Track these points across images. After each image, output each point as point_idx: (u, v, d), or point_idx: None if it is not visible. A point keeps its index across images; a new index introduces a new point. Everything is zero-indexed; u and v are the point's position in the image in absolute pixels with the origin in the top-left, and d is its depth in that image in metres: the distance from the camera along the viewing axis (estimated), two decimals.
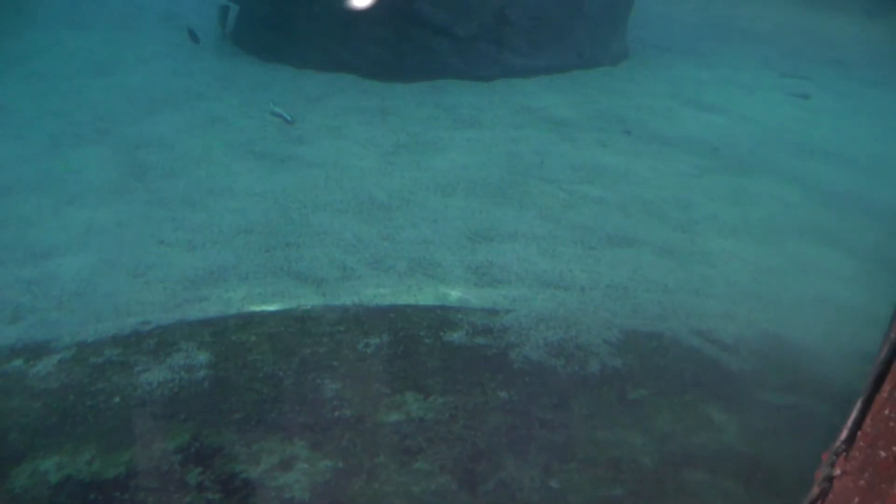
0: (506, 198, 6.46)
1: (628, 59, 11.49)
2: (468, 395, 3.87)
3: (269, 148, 7.30)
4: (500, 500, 3.24)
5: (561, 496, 3.27)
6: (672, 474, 3.44)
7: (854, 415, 1.80)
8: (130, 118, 7.91)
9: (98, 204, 5.98)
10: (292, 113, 8.14)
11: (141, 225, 5.67)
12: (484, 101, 9.08)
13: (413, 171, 6.91)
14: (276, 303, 4.68)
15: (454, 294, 4.91)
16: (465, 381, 3.97)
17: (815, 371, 4.30)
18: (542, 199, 6.47)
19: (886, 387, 1.70)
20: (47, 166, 6.62)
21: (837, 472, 1.82)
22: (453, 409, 3.76)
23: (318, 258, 5.31)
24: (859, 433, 1.78)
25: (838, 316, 4.98)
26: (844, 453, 1.81)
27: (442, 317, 4.58)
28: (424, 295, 4.87)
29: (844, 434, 1.82)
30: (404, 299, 4.80)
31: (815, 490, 1.89)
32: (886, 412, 1.69)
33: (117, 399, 3.72)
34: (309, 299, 4.74)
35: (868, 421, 1.75)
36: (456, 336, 4.38)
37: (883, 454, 1.67)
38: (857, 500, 1.72)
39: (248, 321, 4.44)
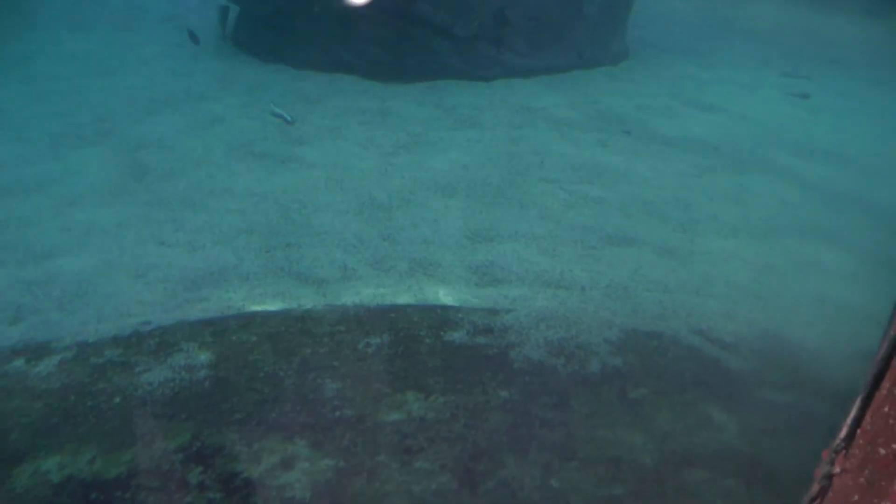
0: (506, 198, 6.47)
1: (628, 58, 11.50)
2: (469, 394, 3.88)
3: (269, 148, 7.31)
4: (501, 500, 3.25)
5: (561, 495, 3.28)
6: (672, 473, 3.44)
7: (854, 412, 1.80)
8: (131, 119, 7.92)
9: (99, 205, 5.99)
10: (292, 113, 8.14)
11: (141, 226, 5.68)
12: (484, 102, 9.08)
13: (413, 172, 6.91)
14: (277, 303, 4.69)
15: (455, 294, 4.91)
16: (465, 381, 3.98)
17: (815, 370, 4.31)
18: (542, 199, 6.48)
19: (886, 384, 1.71)
20: (48, 167, 6.63)
21: (837, 469, 1.82)
22: (454, 409, 3.76)
23: (319, 258, 5.32)
24: (859, 431, 1.78)
25: (838, 315, 4.98)
26: (844, 451, 1.82)
27: (442, 316, 4.59)
28: (425, 295, 4.87)
29: (844, 432, 1.83)
30: (405, 299, 4.80)
31: (815, 488, 1.90)
32: (886, 409, 1.70)
33: (118, 399, 3.72)
34: (310, 299, 4.75)
35: (867, 418, 1.76)
36: (457, 335, 4.39)
37: (882, 451, 1.68)
38: (856, 497, 1.72)
39: (249, 321, 4.45)
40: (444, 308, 4.70)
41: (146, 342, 4.21)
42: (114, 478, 3.22)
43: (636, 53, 11.72)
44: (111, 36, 11.16)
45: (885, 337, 1.76)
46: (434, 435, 3.58)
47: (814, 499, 1.90)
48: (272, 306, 4.64)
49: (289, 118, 8.04)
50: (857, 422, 1.78)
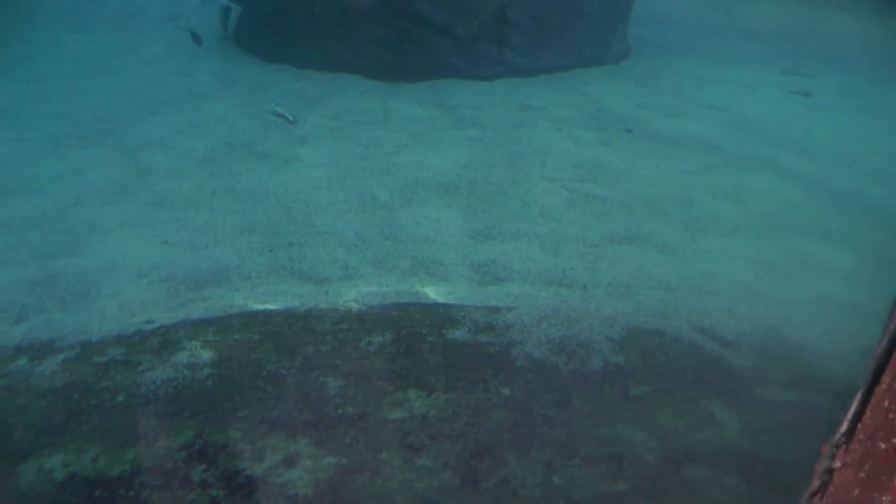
0: (508, 196, 6.48)
1: (630, 57, 11.50)
2: (471, 392, 3.89)
3: (271, 148, 7.32)
4: (503, 497, 3.26)
5: (563, 492, 3.29)
6: (674, 470, 3.45)
7: (854, 407, 1.81)
8: (132, 119, 7.93)
9: (101, 205, 6.00)
10: (294, 113, 8.16)
11: (144, 225, 5.69)
12: (485, 101, 9.09)
13: (415, 171, 6.92)
14: (279, 302, 4.70)
15: (457, 292, 4.92)
16: (467, 379, 3.99)
17: (817, 367, 4.31)
18: (543, 198, 6.49)
19: (886, 378, 1.71)
20: (50, 167, 6.65)
21: (838, 464, 1.83)
22: (456, 406, 3.77)
23: (321, 257, 5.33)
24: (859, 425, 1.79)
25: (839, 312, 4.99)
26: (845, 445, 1.82)
27: (444, 314, 4.60)
28: (427, 293, 4.88)
29: (844, 426, 1.83)
30: (407, 297, 4.81)
31: (816, 483, 1.90)
32: (886, 404, 1.70)
33: (121, 398, 3.74)
34: (312, 298, 4.76)
35: (868, 413, 1.76)
36: (458, 333, 4.40)
37: (883, 446, 1.68)
38: (857, 491, 1.73)
39: (252, 320, 4.46)
40: (446, 306, 4.71)
41: (149, 341, 4.22)
42: (117, 475, 3.24)
43: (637, 52, 11.72)
44: (112, 36, 11.18)
45: (885, 331, 1.76)
46: (436, 432, 3.59)
47: (814, 494, 1.90)
48: (274, 305, 4.65)
49: (290, 118, 8.05)
50: (858, 416, 1.78)
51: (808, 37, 13.93)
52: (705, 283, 5.27)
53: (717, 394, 4.01)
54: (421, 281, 5.05)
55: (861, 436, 1.77)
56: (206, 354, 4.09)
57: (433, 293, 4.89)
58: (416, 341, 4.30)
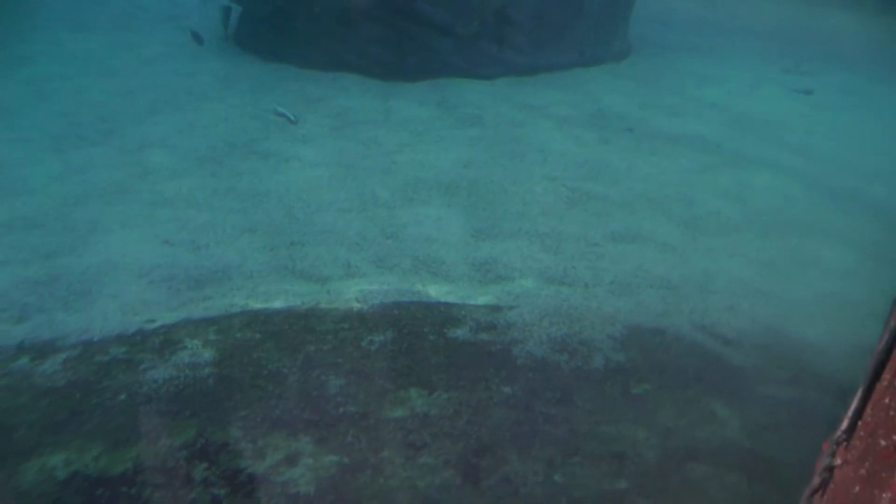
0: (509, 195, 6.48)
1: (630, 56, 11.50)
2: (472, 390, 3.89)
3: (272, 148, 7.33)
4: (504, 495, 3.26)
5: (564, 490, 3.29)
6: (675, 468, 3.45)
7: (854, 404, 1.81)
8: (133, 119, 7.94)
9: (102, 204, 6.01)
10: (295, 113, 8.16)
11: (145, 225, 5.69)
12: (486, 100, 9.09)
13: (416, 170, 6.93)
14: (281, 301, 4.71)
15: (458, 291, 4.93)
16: (469, 377, 3.99)
17: (817, 365, 4.31)
18: (544, 197, 6.49)
19: (886, 376, 1.71)
20: (51, 168, 6.65)
21: (838, 461, 1.83)
22: (457, 405, 3.78)
23: (322, 256, 5.33)
24: (860, 422, 1.79)
25: (840, 310, 4.99)
26: (845, 443, 1.82)
27: (446, 313, 4.60)
28: (428, 292, 4.88)
29: (845, 424, 1.83)
30: (408, 296, 4.82)
31: (816, 480, 1.91)
32: (886, 401, 1.70)
33: (123, 396, 3.74)
34: (313, 297, 4.76)
35: (868, 410, 1.76)
36: (460, 332, 4.40)
37: (883, 443, 1.68)
38: (857, 489, 1.73)
39: (253, 319, 4.47)
40: (448, 305, 4.71)
41: (150, 340, 4.23)
42: (119, 474, 3.24)
43: (638, 51, 11.72)
44: (113, 36, 11.18)
45: (885, 328, 1.76)
46: (437, 431, 3.60)
47: (815, 491, 1.91)
48: (276, 304, 4.66)
49: (292, 117, 8.06)
50: (858, 413, 1.78)
51: (809, 35, 13.92)
52: (706, 281, 5.27)
53: (718, 392, 4.01)
54: (422, 280, 5.05)
55: (862, 433, 1.77)
56: (208, 353, 4.10)
57: (434, 292, 4.89)
58: (418, 340, 4.31)
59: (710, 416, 3.83)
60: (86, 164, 6.76)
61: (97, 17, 12.11)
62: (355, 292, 4.84)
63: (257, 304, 4.65)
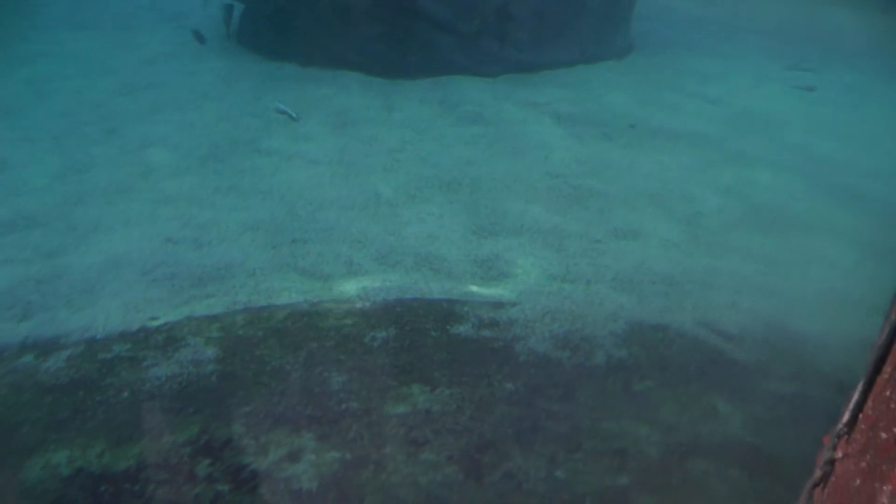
0: (511, 192, 6.48)
1: (632, 53, 11.48)
2: (474, 386, 3.90)
3: (274, 146, 7.34)
4: (507, 491, 3.27)
5: (567, 486, 3.30)
6: (677, 464, 3.46)
7: (855, 397, 1.81)
8: (135, 118, 7.95)
9: (105, 203, 6.02)
10: (297, 111, 8.17)
11: (147, 223, 5.71)
12: (488, 97, 9.09)
13: (418, 168, 6.93)
14: (283, 298, 4.72)
15: (460, 288, 4.93)
16: (471, 374, 4.00)
17: (819, 360, 4.32)
18: (547, 194, 6.49)
19: (887, 368, 1.72)
20: (53, 167, 6.67)
21: (839, 454, 1.83)
22: (460, 401, 3.78)
23: (324, 254, 5.34)
24: (861, 415, 1.79)
25: (841, 306, 4.99)
26: (846, 436, 1.83)
27: (448, 310, 4.61)
28: (430, 289, 4.89)
29: (846, 417, 1.84)
30: (410, 293, 4.82)
31: (818, 473, 1.91)
32: (887, 394, 1.71)
33: (126, 393, 3.76)
34: (315, 294, 4.77)
35: (869, 403, 1.77)
36: (462, 329, 4.41)
37: (884, 436, 1.69)
38: (858, 481, 1.73)
39: (255, 316, 4.48)
40: (450, 302, 4.72)
41: (153, 338, 4.24)
42: (122, 471, 3.25)
43: (640, 48, 11.70)
44: (114, 36, 11.19)
45: (886, 322, 1.77)
46: (440, 427, 3.60)
47: (816, 484, 1.91)
48: (278, 301, 4.67)
49: (294, 115, 8.06)
50: (859, 406, 1.79)
51: (811, 33, 13.90)
52: (708, 277, 5.28)
53: (720, 388, 4.01)
54: (424, 277, 5.06)
55: (862, 426, 1.77)
56: (211, 350, 4.11)
57: (437, 289, 4.90)
58: (420, 337, 4.31)
59: (711, 411, 3.83)
60: (87, 163, 6.77)
61: (98, 16, 12.12)
62: (357, 289, 4.85)
63: (260, 302, 4.66)
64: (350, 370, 3.98)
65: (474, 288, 4.95)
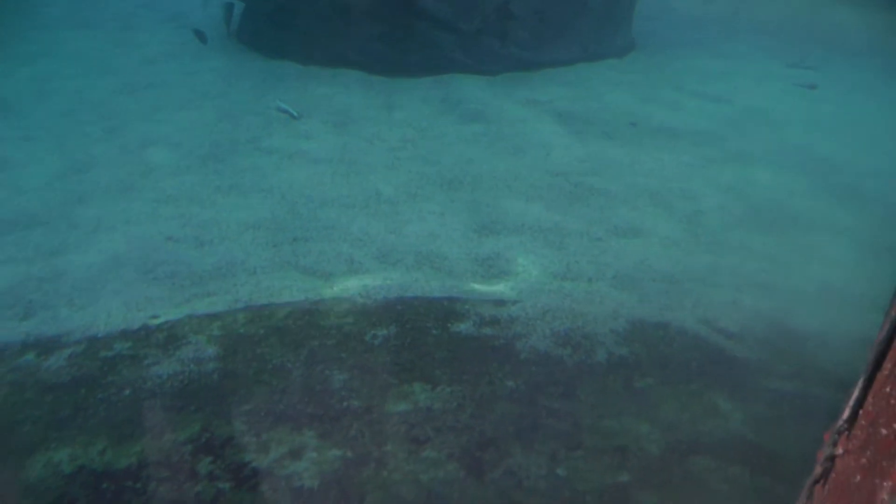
0: (512, 191, 6.48)
1: (633, 51, 11.48)
2: (475, 384, 3.90)
3: (275, 144, 7.34)
4: (508, 488, 3.27)
5: (567, 483, 3.30)
6: (678, 461, 3.46)
7: (856, 393, 1.81)
8: (136, 117, 7.96)
9: (106, 202, 6.03)
10: (298, 109, 8.17)
11: (149, 222, 5.71)
12: (489, 96, 9.09)
13: (419, 166, 6.94)
14: (284, 296, 4.72)
15: (461, 286, 4.94)
16: (472, 371, 4.00)
17: (820, 358, 4.32)
18: (548, 192, 6.49)
19: (888, 364, 1.72)
20: (54, 166, 6.68)
21: (839, 451, 1.83)
22: (461, 399, 3.79)
23: (326, 252, 5.35)
24: (861, 412, 1.79)
25: (842, 304, 4.98)
26: (846, 432, 1.83)
27: (449, 308, 4.61)
28: (431, 287, 4.90)
29: (846, 413, 1.84)
30: (411, 291, 4.83)
31: (818, 469, 1.91)
32: (888, 390, 1.70)
33: (128, 391, 3.76)
34: (316, 292, 4.77)
35: (869, 399, 1.77)
36: (463, 327, 4.41)
37: (884, 432, 1.69)
38: (858, 478, 1.73)
39: (257, 315, 4.48)
40: (451, 300, 4.73)
41: (155, 336, 4.25)
42: (124, 468, 3.26)
43: (642, 46, 11.70)
44: (115, 35, 11.20)
45: (886, 318, 1.76)
46: (441, 425, 3.61)
47: (817, 481, 1.91)
48: (279, 300, 4.67)
49: (295, 113, 8.07)
50: (859, 403, 1.79)
51: (813, 31, 13.88)
52: (709, 275, 5.28)
53: (721, 385, 4.01)
54: (425, 275, 5.06)
55: (863, 422, 1.77)
56: (212, 349, 4.12)
57: (438, 287, 4.90)
58: (421, 335, 4.32)
59: (712, 409, 3.83)
60: (89, 162, 6.78)
61: (98, 15, 12.13)
62: (358, 287, 4.85)
63: (261, 300, 4.67)
64: (351, 368, 3.99)
65: (475, 286, 4.95)
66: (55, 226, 5.63)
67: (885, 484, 1.62)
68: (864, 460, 1.74)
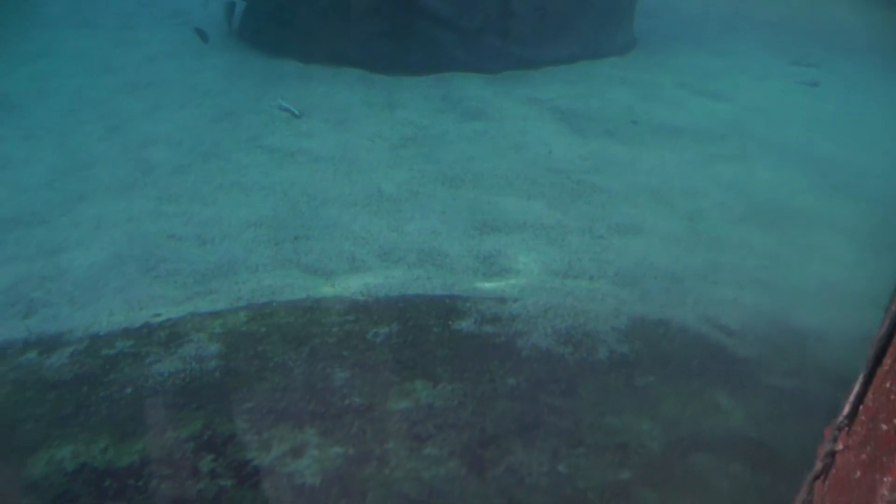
0: (513, 188, 6.48)
1: (635, 49, 11.47)
2: (477, 382, 3.91)
3: (277, 142, 7.35)
4: (509, 485, 3.28)
5: (569, 480, 3.31)
6: (679, 458, 3.46)
7: (856, 389, 1.82)
8: (138, 115, 7.96)
9: (108, 200, 6.04)
10: (299, 107, 8.17)
11: (151, 220, 5.72)
12: (490, 94, 9.09)
13: (421, 164, 6.94)
14: (286, 294, 4.73)
15: (463, 283, 4.94)
16: (473, 369, 4.01)
17: (820, 355, 4.32)
18: (549, 190, 6.49)
19: (887, 360, 1.72)
20: (56, 164, 6.68)
21: (840, 446, 1.84)
22: (462, 396, 3.79)
23: (327, 250, 5.35)
24: (861, 407, 1.80)
25: (843, 301, 4.98)
26: (847, 428, 1.83)
27: (450, 306, 4.62)
28: (433, 285, 4.90)
29: (846, 409, 1.84)
30: (413, 289, 4.83)
31: (819, 465, 1.92)
32: (888, 385, 1.71)
33: (130, 389, 3.77)
34: (318, 290, 4.78)
35: (870, 395, 1.77)
36: (464, 324, 4.41)
37: (884, 427, 1.69)
38: (859, 473, 1.74)
39: (258, 313, 4.49)
40: (452, 297, 4.73)
41: (157, 334, 4.25)
42: (126, 466, 3.27)
43: (644, 43, 11.69)
44: (116, 33, 11.20)
45: (886, 314, 1.77)
46: (442, 422, 3.61)
47: (817, 476, 1.92)
48: (281, 298, 4.68)
49: (296, 112, 8.07)
50: (860, 398, 1.79)
51: (814, 28, 13.87)
52: (710, 272, 5.28)
53: (721, 383, 4.02)
54: (427, 273, 5.07)
55: (863, 418, 1.78)
56: (214, 347, 4.12)
57: (439, 285, 4.90)
58: (423, 332, 4.32)
59: (713, 406, 3.84)
60: (90, 161, 6.79)
61: (99, 14, 12.14)
62: (360, 285, 4.85)
63: (262, 298, 4.68)
64: (353, 366, 3.99)
65: (477, 283, 4.96)
66: (57, 224, 5.64)
67: (885, 479, 1.63)
68: (864, 456, 1.74)
